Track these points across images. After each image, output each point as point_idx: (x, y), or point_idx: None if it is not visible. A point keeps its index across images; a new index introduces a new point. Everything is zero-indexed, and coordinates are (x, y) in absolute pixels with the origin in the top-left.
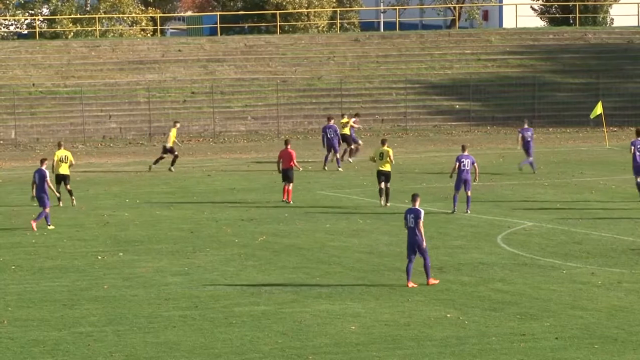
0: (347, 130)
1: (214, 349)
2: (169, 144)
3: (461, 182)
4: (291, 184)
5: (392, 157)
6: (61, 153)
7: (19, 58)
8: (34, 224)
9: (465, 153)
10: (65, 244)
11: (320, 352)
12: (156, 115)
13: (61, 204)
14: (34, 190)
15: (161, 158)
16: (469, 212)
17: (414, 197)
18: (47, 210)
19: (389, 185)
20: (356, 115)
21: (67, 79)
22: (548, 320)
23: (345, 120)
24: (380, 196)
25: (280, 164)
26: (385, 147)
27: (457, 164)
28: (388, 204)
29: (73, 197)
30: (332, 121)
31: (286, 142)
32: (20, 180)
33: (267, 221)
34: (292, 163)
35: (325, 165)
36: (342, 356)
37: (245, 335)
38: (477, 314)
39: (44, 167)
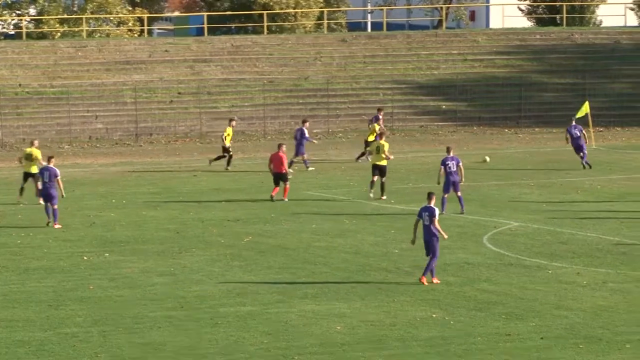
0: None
1: (200, 350)
2: (227, 143)
3: (449, 184)
4: (287, 182)
5: (386, 152)
6: (30, 151)
7: (5, 58)
8: (56, 226)
9: (450, 155)
10: (51, 245)
11: (306, 352)
12: (143, 116)
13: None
14: (40, 187)
15: (222, 157)
16: (464, 212)
17: (429, 196)
18: (56, 207)
19: (384, 179)
20: (379, 110)
21: (54, 79)
22: (533, 320)
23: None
24: (371, 188)
25: (271, 167)
26: (382, 141)
27: (443, 167)
28: (384, 197)
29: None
30: (307, 124)
31: (279, 146)
32: (6, 180)
33: (253, 221)
34: (282, 168)
35: (307, 166)
36: (327, 356)
37: (231, 336)
38: (463, 314)
39: (51, 165)
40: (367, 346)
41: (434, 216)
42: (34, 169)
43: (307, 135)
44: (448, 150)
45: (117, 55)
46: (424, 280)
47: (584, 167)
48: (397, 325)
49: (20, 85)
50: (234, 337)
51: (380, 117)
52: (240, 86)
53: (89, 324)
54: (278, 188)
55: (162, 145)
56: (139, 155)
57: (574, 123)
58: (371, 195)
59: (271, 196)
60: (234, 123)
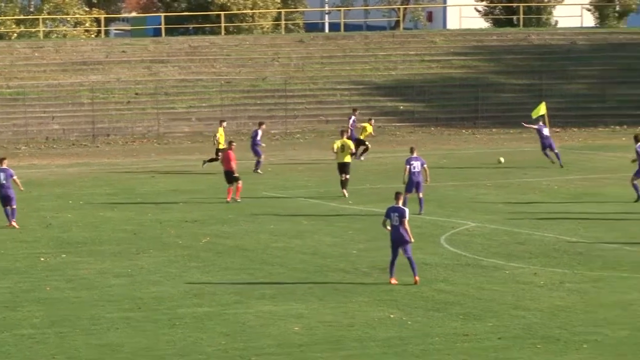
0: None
1: (157, 351)
2: (221, 145)
3: (412, 184)
4: (239, 181)
5: (352, 149)
6: None
7: None
8: (13, 223)
9: (415, 155)
10: (7, 246)
11: (263, 353)
12: (99, 116)
13: None
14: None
15: (215, 159)
16: (422, 213)
17: (397, 195)
18: (15, 207)
19: (348, 176)
20: (354, 110)
21: (10, 80)
22: (491, 320)
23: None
24: (343, 188)
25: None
26: (345, 139)
27: (408, 167)
28: (345, 192)
29: None
30: (263, 127)
31: (229, 144)
32: None
33: (211, 222)
34: (231, 165)
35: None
36: (285, 357)
37: (189, 337)
38: (420, 315)
39: (4, 166)
40: (324, 347)
41: (404, 217)
42: None
43: (259, 138)
44: (412, 151)
45: (73, 56)
46: (393, 281)
47: (561, 165)
48: (354, 325)
49: None
50: (192, 338)
51: (355, 117)
52: (197, 87)
53: (45, 325)
54: (232, 188)
55: (120, 146)
56: (96, 156)
57: (541, 123)
58: (346, 194)
59: (227, 201)
60: (224, 124)
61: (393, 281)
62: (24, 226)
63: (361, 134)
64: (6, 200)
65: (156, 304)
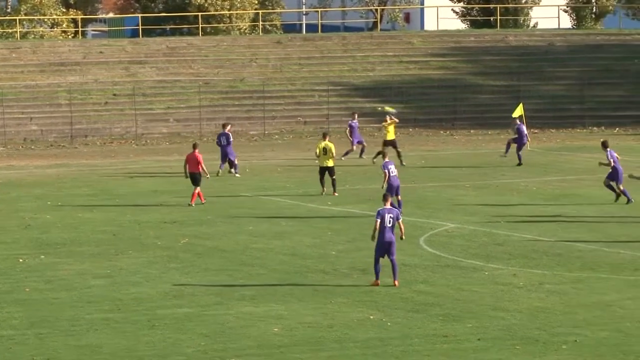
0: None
1: (137, 352)
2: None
3: (393, 188)
4: (198, 187)
5: (334, 152)
6: None
7: None
8: None
9: (388, 159)
10: None
11: (244, 354)
12: (77, 117)
13: None
14: None
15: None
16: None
17: (385, 197)
18: None
19: (334, 177)
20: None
21: None
22: (470, 321)
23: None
24: (322, 186)
25: (187, 168)
26: (327, 142)
27: (386, 171)
28: (336, 194)
29: None
30: (228, 128)
31: (194, 146)
32: None
33: (190, 223)
34: (199, 167)
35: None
36: (265, 358)
37: (168, 338)
38: (400, 316)
39: None
40: (304, 348)
41: (399, 218)
42: None
43: (231, 139)
44: (384, 155)
45: (51, 57)
46: (379, 282)
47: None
48: (334, 326)
49: None
50: (172, 339)
51: (356, 121)
52: (175, 88)
53: (25, 326)
54: (196, 191)
55: (98, 147)
56: (75, 157)
57: (519, 122)
58: (323, 193)
59: (190, 204)
60: (229, 127)
61: (378, 282)
62: (3, 227)
63: (389, 135)
64: None
65: (136, 305)
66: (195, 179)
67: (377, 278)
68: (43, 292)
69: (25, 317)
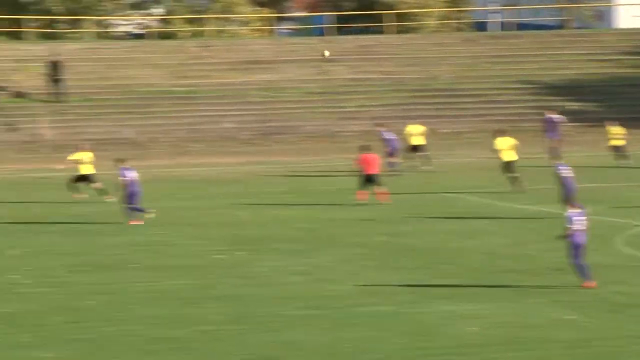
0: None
1: (336, 349)
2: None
3: (570, 191)
4: (378, 187)
5: (516, 146)
6: (82, 155)
7: (134, 58)
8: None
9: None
10: (185, 243)
11: (444, 353)
12: (270, 115)
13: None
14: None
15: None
16: None
17: (567, 202)
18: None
19: (517, 174)
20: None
21: (181, 78)
22: None
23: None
24: (516, 185)
25: (365, 169)
26: (508, 137)
27: (561, 175)
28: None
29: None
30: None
31: (365, 148)
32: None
33: (386, 222)
34: (376, 170)
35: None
36: (465, 357)
37: (367, 336)
38: (598, 316)
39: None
40: (505, 347)
41: (587, 220)
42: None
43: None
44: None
45: (243, 55)
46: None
47: None
48: (533, 326)
49: (149, 84)
50: (370, 337)
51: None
52: (366, 86)
53: (224, 322)
54: (367, 191)
55: (291, 144)
56: (268, 155)
57: None
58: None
59: (361, 199)
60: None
61: (591, 284)
62: (200, 224)
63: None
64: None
65: (332, 302)
66: (374, 180)
67: (588, 279)
68: (240, 288)
69: (224, 313)
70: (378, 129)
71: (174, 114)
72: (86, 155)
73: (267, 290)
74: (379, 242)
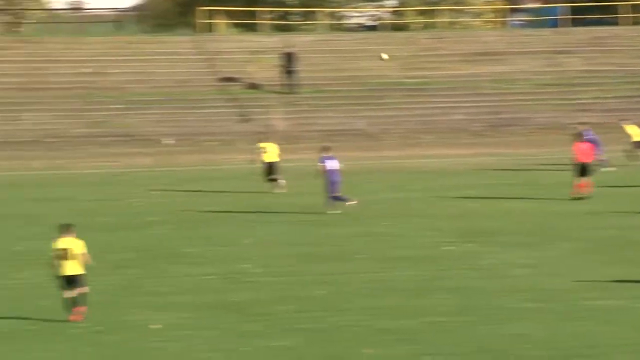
0: None
1: (561, 342)
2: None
3: None
4: (588, 178)
5: None
6: (266, 145)
7: (367, 50)
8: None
9: None
10: (413, 234)
11: None
12: (501, 107)
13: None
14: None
15: None
16: None
17: None
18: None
19: None
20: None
21: (413, 70)
22: None
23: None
24: None
25: (577, 158)
26: None
27: None
28: None
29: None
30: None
31: (579, 135)
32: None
33: (616, 215)
34: (590, 158)
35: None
36: None
37: (595, 330)
38: None
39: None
40: None
41: None
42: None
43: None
44: None
45: (475, 47)
46: None
47: None
48: None
49: (382, 76)
50: (597, 330)
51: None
52: (600, 77)
53: (453, 313)
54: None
55: (521, 136)
56: (498, 147)
57: None
58: None
59: (575, 193)
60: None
61: None
62: (429, 215)
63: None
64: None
65: (558, 295)
66: (588, 170)
67: None
68: (469, 280)
69: (453, 304)
70: (580, 128)
71: (405, 106)
72: (270, 146)
73: (493, 283)
74: (608, 236)
